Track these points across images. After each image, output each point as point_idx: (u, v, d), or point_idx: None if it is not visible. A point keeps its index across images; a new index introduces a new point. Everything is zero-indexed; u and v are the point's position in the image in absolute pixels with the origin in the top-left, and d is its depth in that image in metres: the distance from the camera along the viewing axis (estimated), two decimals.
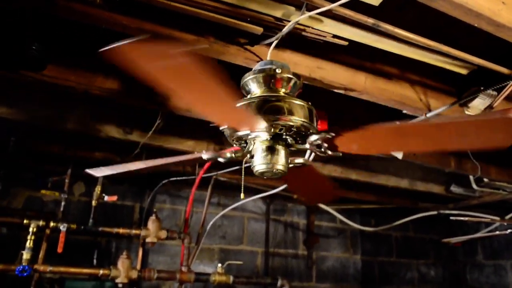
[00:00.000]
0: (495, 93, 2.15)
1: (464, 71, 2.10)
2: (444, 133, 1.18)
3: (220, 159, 1.49)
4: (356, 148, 1.38)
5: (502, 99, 2.15)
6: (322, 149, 1.36)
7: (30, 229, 2.69)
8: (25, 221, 2.71)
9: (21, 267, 2.55)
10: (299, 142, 1.40)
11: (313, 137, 1.34)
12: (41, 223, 2.74)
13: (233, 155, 1.47)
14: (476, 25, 1.45)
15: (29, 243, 2.65)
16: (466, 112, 2.29)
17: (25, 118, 2.44)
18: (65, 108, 2.53)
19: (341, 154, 1.37)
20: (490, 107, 2.21)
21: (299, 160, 1.50)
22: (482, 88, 2.11)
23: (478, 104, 2.22)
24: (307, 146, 1.39)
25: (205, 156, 1.49)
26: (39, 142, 2.98)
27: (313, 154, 1.90)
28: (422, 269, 5.35)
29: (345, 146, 1.34)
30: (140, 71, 0.91)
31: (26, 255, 2.62)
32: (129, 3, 1.54)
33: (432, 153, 2.98)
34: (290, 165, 1.45)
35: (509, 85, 2.04)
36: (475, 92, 2.16)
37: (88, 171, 1.73)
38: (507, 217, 3.93)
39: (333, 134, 1.29)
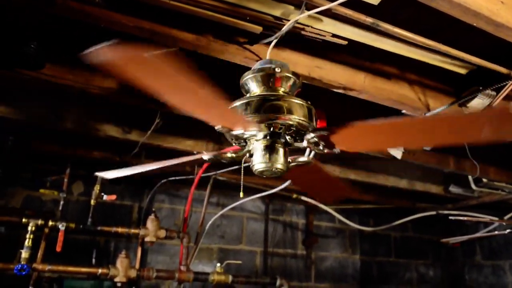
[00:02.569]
0: (494, 93, 2.15)
1: (463, 71, 2.10)
2: (441, 128, 1.17)
3: (220, 159, 1.49)
4: (353, 145, 1.38)
5: (501, 99, 2.15)
6: (320, 147, 1.36)
7: (29, 228, 2.69)
8: (23, 220, 2.71)
9: (20, 266, 2.55)
10: (298, 141, 1.40)
11: (310, 135, 1.34)
12: (39, 222, 2.74)
13: (233, 155, 1.46)
14: (475, 24, 1.45)
15: (27, 242, 2.65)
16: (465, 112, 2.29)
17: (24, 117, 2.44)
18: (63, 107, 2.52)
19: (339, 151, 1.36)
20: (489, 107, 2.22)
21: (303, 159, 1.49)
22: (481, 88, 2.11)
23: (477, 104, 2.22)
24: (304, 144, 1.39)
25: (205, 157, 1.49)
26: (37, 141, 2.97)
27: (313, 152, 1.90)
28: (420, 269, 5.36)
29: (343, 143, 1.34)
30: (123, 74, 0.93)
31: (24, 254, 2.62)
32: (127, 2, 1.54)
33: (431, 149, 2.98)
34: (293, 164, 1.45)
35: (508, 85, 2.04)
36: (474, 92, 2.16)
37: (98, 174, 1.90)
38: (506, 217, 3.93)
39: (328, 132, 1.29)
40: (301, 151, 1.49)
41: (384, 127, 1.23)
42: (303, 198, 3.85)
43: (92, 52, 0.88)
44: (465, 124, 1.10)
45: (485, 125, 0.97)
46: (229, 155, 1.47)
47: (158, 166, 1.63)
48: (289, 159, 1.42)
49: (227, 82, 1.83)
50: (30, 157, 3.31)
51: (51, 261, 2.70)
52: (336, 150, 1.36)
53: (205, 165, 2.92)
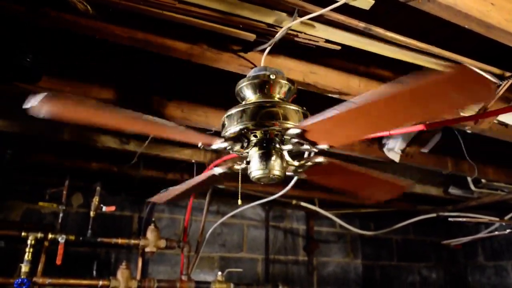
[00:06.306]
0: None
1: None
2: (407, 104, 1.00)
3: (231, 169, 1.50)
4: (331, 139, 1.32)
5: (496, 100, 2.16)
6: (306, 146, 1.35)
7: (29, 242, 2.68)
8: (23, 234, 2.70)
9: (20, 280, 2.53)
10: (291, 146, 1.40)
11: (290, 133, 1.30)
12: (39, 235, 2.73)
13: (242, 166, 1.46)
14: (466, 26, 1.46)
15: (27, 256, 2.64)
16: (461, 114, 2.30)
17: (21, 130, 2.44)
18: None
19: (327, 148, 1.33)
20: (484, 108, 2.22)
21: (318, 159, 1.43)
22: None
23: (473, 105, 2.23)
24: (289, 147, 1.38)
25: (217, 171, 1.52)
26: (35, 154, 2.97)
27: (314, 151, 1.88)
28: (423, 272, 5.34)
29: (321, 138, 1.29)
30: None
31: (24, 267, 2.60)
32: (121, 13, 1.55)
33: (429, 151, 2.97)
34: (308, 164, 1.44)
35: (502, 85, 2.06)
36: None
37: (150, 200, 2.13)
38: (507, 217, 3.92)
39: (301, 126, 1.25)
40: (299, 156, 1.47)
41: (352, 114, 1.09)
42: (303, 204, 3.85)
43: (32, 108, 1.07)
44: (430, 94, 0.95)
45: (451, 90, 0.87)
46: (237, 167, 1.47)
47: (179, 192, 1.72)
48: (306, 161, 1.43)
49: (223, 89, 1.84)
50: (29, 170, 3.31)
51: (51, 274, 2.69)
52: (323, 147, 1.33)
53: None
